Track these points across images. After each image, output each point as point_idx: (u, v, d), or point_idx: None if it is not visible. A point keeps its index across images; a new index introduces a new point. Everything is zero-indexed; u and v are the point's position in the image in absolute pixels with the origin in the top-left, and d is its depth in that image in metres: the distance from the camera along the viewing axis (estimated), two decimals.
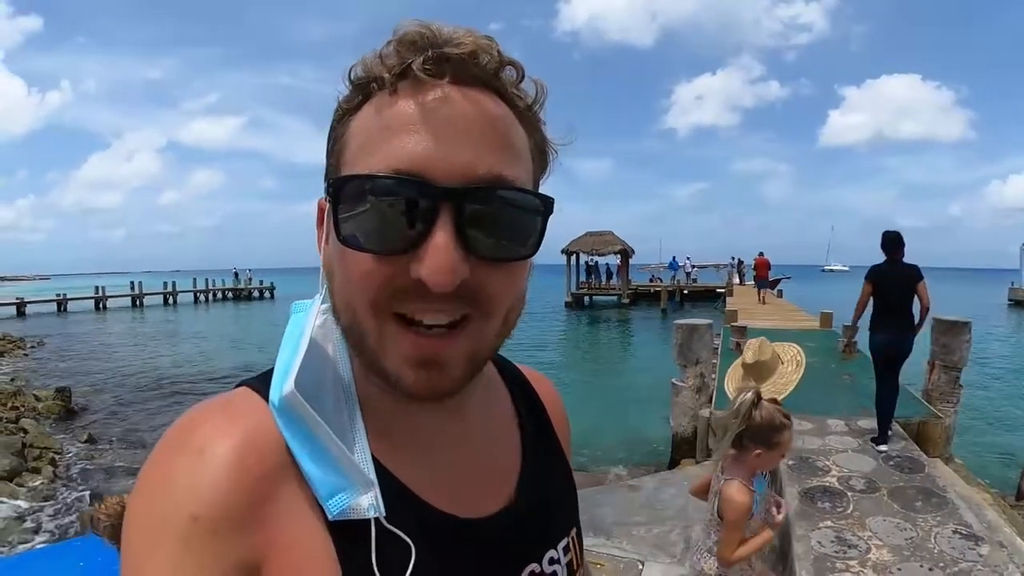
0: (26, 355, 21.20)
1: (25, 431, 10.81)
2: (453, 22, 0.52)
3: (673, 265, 39.29)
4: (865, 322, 5.41)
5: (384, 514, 0.52)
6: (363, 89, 0.53)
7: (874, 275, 5.26)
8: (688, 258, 39.07)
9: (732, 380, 3.11)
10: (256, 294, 55.00)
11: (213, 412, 0.54)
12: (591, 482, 7.66)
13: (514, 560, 0.62)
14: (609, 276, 39.37)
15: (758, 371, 3.07)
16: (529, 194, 0.54)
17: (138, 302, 44.52)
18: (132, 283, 46.80)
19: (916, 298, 5.13)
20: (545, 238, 0.55)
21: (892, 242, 5.22)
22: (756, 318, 16.01)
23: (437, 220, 0.48)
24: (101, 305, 41.39)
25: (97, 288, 42.92)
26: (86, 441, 11.06)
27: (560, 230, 36.26)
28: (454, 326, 0.52)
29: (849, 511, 4.08)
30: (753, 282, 27.48)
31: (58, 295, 40.34)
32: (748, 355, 3.07)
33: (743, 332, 10.71)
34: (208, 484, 0.48)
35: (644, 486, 5.57)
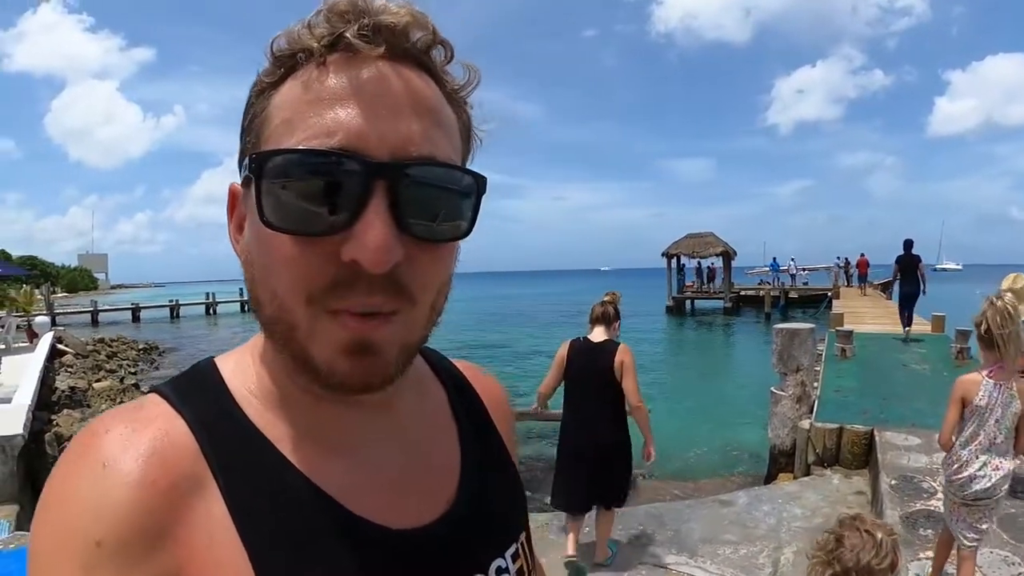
0: (140, 357, 22.45)
1: None
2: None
3: (774, 267, 37.55)
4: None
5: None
6: (287, 61, 0.50)
7: None
8: (792, 260, 37.24)
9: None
10: None
11: (118, 421, 0.50)
12: (681, 495, 7.26)
13: (457, 572, 0.57)
14: (711, 279, 37.58)
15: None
16: (464, 173, 0.52)
17: (246, 307, 46.34)
18: (241, 289, 48.88)
19: None
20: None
21: None
22: (863, 321, 15.03)
23: (372, 197, 0.46)
24: (212, 310, 43.86)
25: (208, 294, 45.41)
26: None
27: (660, 233, 35.65)
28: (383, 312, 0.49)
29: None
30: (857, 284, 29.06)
31: (171, 301, 43.00)
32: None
33: (849, 337, 9.94)
34: (111, 504, 0.45)
35: (736, 501, 5.13)
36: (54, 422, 10.21)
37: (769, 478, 6.81)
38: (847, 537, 1.81)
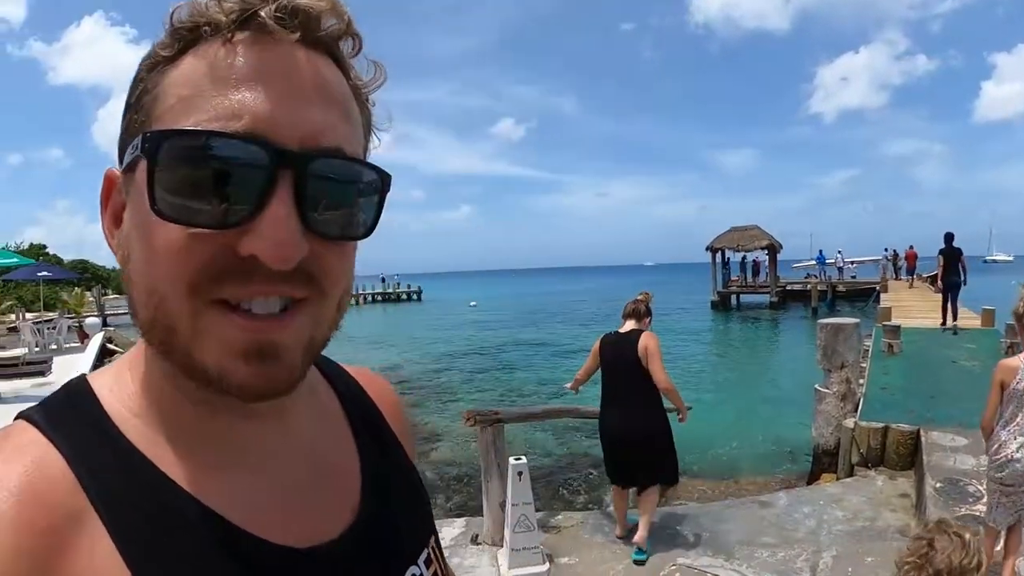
0: None
1: None
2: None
3: (821, 260, 36.68)
4: None
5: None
6: (188, 35, 0.45)
7: None
8: (839, 252, 36.33)
9: None
10: (404, 297, 58.49)
11: None
12: (721, 494, 7.19)
13: None
14: (755, 273, 36.88)
15: None
16: (371, 169, 0.50)
17: None
18: None
19: None
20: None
21: None
22: (911, 315, 14.64)
23: (278, 188, 0.42)
24: None
25: None
26: None
27: (705, 227, 35.22)
28: (285, 309, 0.45)
29: (999, 547, 3.43)
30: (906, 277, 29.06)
31: None
32: None
33: (896, 332, 9.68)
34: None
35: (776, 502, 5.06)
36: None
37: (812, 478, 6.69)
38: (937, 540, 1.86)
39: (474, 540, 4.66)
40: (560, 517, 5.07)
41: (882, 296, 22.82)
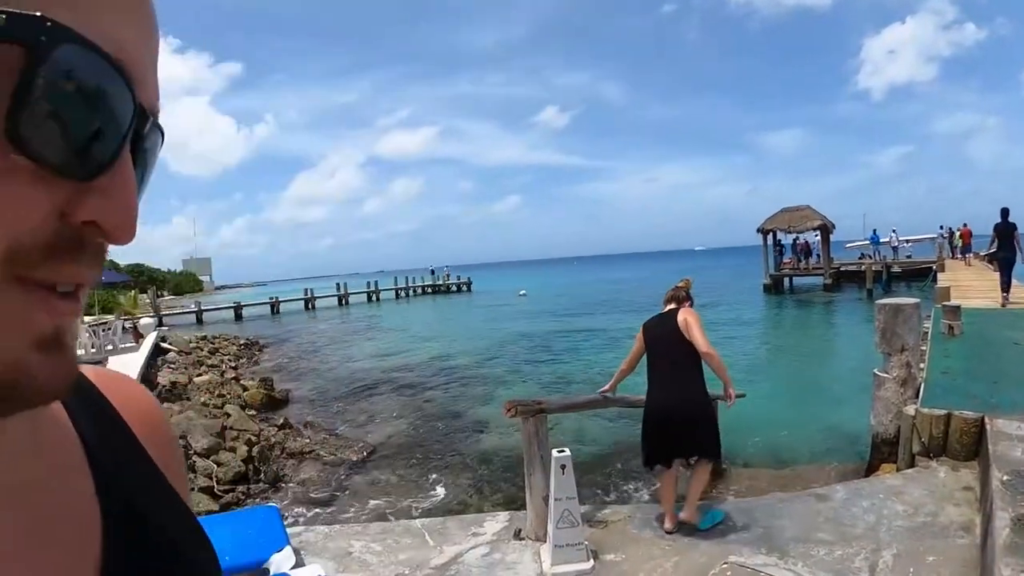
0: (241, 352, 23.53)
1: (229, 414, 11.97)
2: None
3: (875, 239, 35.60)
4: None
5: None
6: None
7: None
8: (894, 231, 35.22)
9: None
10: (454, 288, 59.35)
11: None
12: (775, 485, 6.98)
13: None
14: (807, 255, 36.01)
15: None
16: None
17: (344, 301, 49.50)
18: (338, 284, 51.98)
19: None
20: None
21: None
22: (971, 295, 14.04)
23: (125, 144, 0.34)
24: (310, 305, 45.78)
25: (306, 290, 47.54)
26: (281, 427, 12.02)
27: (756, 210, 34.56)
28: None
29: None
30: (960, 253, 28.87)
31: (271, 298, 45.07)
32: None
33: (957, 312, 9.23)
34: None
35: (833, 496, 4.85)
36: None
37: (870, 469, 6.43)
38: None
39: (517, 535, 4.57)
40: (607, 511, 4.96)
41: (939, 276, 21.99)
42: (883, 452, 6.28)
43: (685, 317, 4.29)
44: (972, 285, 16.94)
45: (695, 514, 4.38)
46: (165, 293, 56.75)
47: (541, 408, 4.41)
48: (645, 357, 4.52)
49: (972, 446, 5.13)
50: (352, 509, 8.06)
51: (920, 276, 28.03)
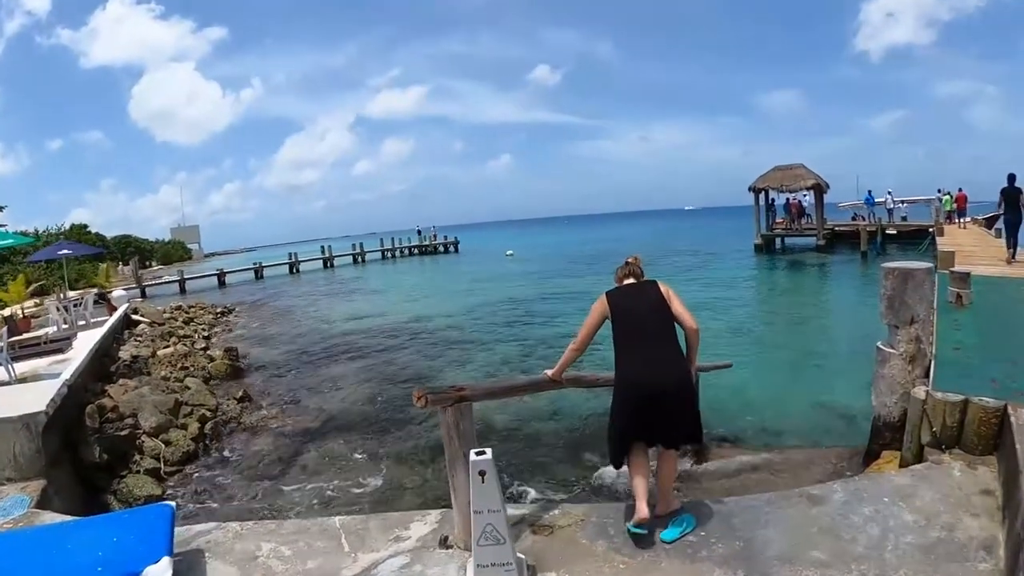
0: (216, 321, 22.79)
1: (188, 388, 11.59)
2: None
3: (869, 200, 34.71)
4: None
5: None
6: None
7: None
8: (890, 192, 34.23)
9: None
10: (441, 249, 59.05)
11: None
12: (762, 473, 6.21)
13: None
14: (800, 215, 35.20)
15: None
16: None
17: (329, 263, 48.97)
18: (322, 247, 51.49)
19: None
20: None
21: None
22: (975, 261, 13.21)
23: None
24: (295, 269, 45.35)
25: (291, 254, 47.03)
26: (241, 399, 11.50)
27: (750, 171, 33.59)
28: None
29: None
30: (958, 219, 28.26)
31: (254, 264, 44.99)
32: None
33: (965, 280, 8.33)
34: None
35: (830, 498, 4.02)
36: (107, 393, 10.32)
37: (869, 455, 5.64)
38: None
39: (443, 542, 3.77)
40: (556, 512, 4.11)
41: (939, 240, 21.15)
42: (885, 437, 5.47)
43: (667, 290, 3.82)
44: (975, 251, 16.12)
45: (671, 502, 3.89)
46: (153, 263, 55.91)
47: (462, 396, 3.54)
48: (613, 331, 3.79)
49: (991, 439, 4.31)
50: (294, 491, 7.40)
51: (916, 238, 27.29)
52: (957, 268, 9.32)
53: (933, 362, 5.39)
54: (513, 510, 4.06)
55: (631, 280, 3.98)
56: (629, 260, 4.14)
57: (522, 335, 16.17)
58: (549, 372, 4.12)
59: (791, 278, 26.16)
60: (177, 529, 3.80)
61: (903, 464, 4.88)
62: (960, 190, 30.04)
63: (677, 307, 3.75)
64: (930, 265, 5.57)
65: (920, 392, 4.78)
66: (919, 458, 4.69)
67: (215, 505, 7.17)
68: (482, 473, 3.11)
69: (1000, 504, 3.69)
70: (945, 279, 8.66)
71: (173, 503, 4.12)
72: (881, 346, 5.51)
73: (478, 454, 3.15)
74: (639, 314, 3.75)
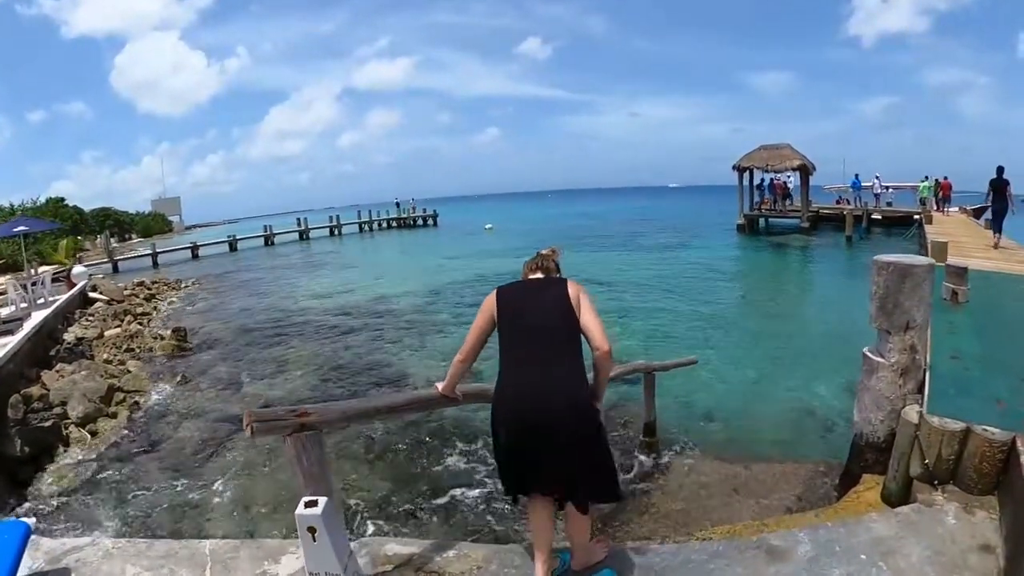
0: (177, 296, 21.96)
1: (129, 372, 11.42)
2: None
3: (855, 184, 34.00)
4: None
5: None
6: None
7: None
8: (877, 177, 33.48)
9: None
10: (420, 222, 58.33)
11: None
12: (720, 493, 5.43)
13: None
14: (785, 195, 34.35)
15: None
16: None
17: (304, 236, 48.31)
18: (298, 219, 50.70)
19: None
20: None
21: None
22: (967, 253, 12.47)
23: None
24: (270, 242, 44.70)
25: (266, 227, 46.43)
26: (179, 383, 11.03)
27: (739, 149, 32.64)
28: None
29: None
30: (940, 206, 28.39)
31: (229, 237, 44.14)
32: None
33: (962, 276, 7.44)
34: None
35: (793, 552, 3.20)
36: (41, 379, 9.95)
37: (847, 477, 4.84)
38: None
39: None
40: (451, 554, 3.24)
41: (928, 228, 20.38)
42: (867, 459, 4.66)
43: (578, 293, 2.85)
44: (967, 241, 15.40)
45: (592, 554, 3.03)
46: (133, 236, 54.69)
47: (303, 423, 2.63)
48: (499, 337, 2.89)
49: (993, 476, 3.50)
50: (196, 494, 6.72)
51: (903, 225, 26.60)
52: (952, 261, 8.53)
53: (928, 374, 4.58)
54: (398, 547, 3.28)
55: (538, 275, 3.08)
56: (543, 252, 3.22)
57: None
58: (440, 385, 3.26)
59: (773, 261, 25.28)
60: (51, 543, 3.48)
61: (886, 496, 4.09)
62: (945, 178, 29.59)
63: (587, 318, 2.81)
64: (931, 261, 4.65)
65: (912, 414, 3.96)
66: (906, 493, 3.91)
67: (110, 511, 6.53)
68: (312, 530, 2.27)
69: (1001, 567, 2.91)
70: (939, 273, 7.85)
71: (31, 520, 3.70)
72: (868, 353, 4.66)
73: (308, 505, 2.31)
74: (531, 319, 2.84)
